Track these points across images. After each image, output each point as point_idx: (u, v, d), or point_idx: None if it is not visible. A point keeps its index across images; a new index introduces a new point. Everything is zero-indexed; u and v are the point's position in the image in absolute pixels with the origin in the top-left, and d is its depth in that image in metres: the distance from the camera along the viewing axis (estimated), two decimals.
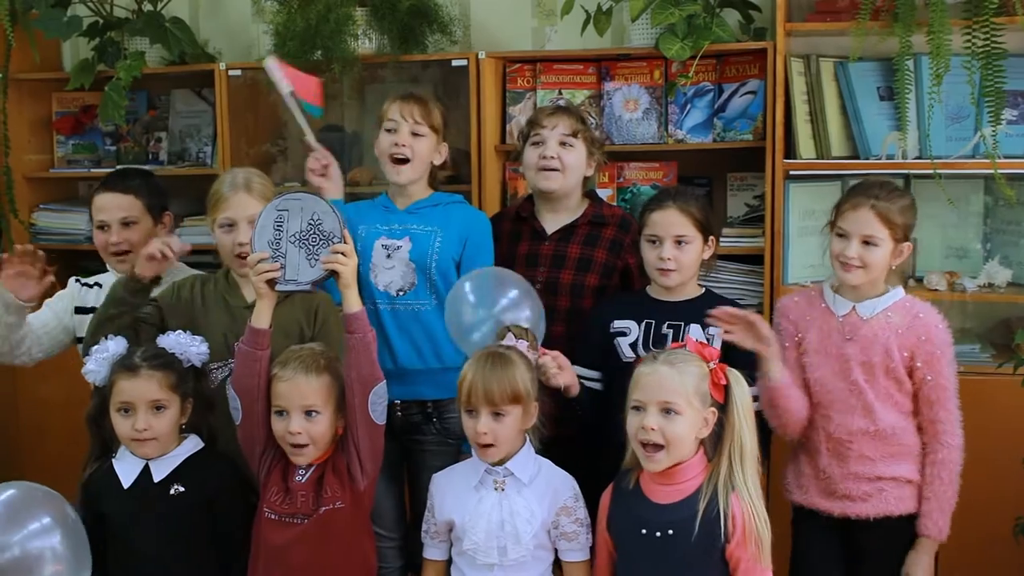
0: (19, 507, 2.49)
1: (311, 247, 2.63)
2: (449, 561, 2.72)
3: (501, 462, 2.63)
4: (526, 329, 2.75)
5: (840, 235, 2.80)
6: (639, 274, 3.13)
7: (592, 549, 2.65)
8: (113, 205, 3.15)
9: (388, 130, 3.12)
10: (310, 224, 2.63)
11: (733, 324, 2.72)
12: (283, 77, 3.17)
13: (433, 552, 2.73)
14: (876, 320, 2.81)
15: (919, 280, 3.62)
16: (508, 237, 3.23)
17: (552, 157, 3.11)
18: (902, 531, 2.84)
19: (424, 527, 2.75)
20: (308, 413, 2.61)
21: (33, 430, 4.26)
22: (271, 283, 2.63)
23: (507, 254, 3.19)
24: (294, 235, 2.63)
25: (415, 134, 3.09)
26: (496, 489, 2.63)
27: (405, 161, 3.10)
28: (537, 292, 3.06)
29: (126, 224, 3.15)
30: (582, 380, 2.91)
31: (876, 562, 2.86)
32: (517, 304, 2.81)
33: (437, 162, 3.17)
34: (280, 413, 2.62)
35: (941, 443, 2.80)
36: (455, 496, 2.67)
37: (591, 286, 3.12)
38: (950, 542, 3.35)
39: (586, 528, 2.63)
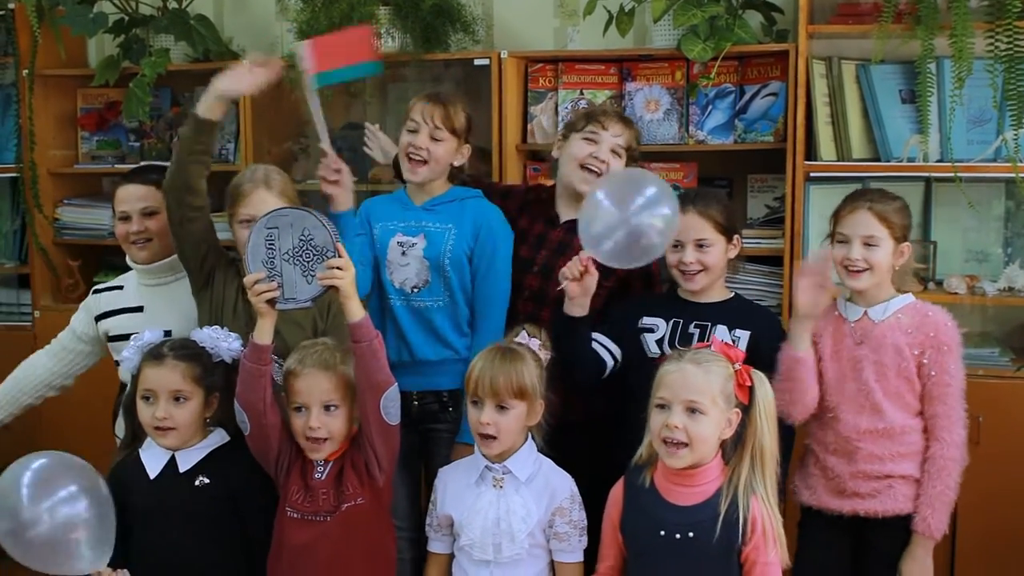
0: (48, 475, 2.49)
1: (305, 263, 2.60)
2: (452, 555, 2.73)
3: (501, 459, 2.64)
4: (540, 329, 2.75)
5: (841, 241, 2.86)
6: (642, 285, 3.14)
7: (589, 551, 2.66)
8: (134, 196, 3.19)
9: (409, 130, 3.12)
10: (301, 240, 2.59)
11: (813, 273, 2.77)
12: (311, 64, 2.98)
13: (436, 545, 2.75)
14: (887, 322, 2.84)
15: (939, 284, 3.61)
16: (530, 210, 3.25)
17: (604, 161, 3.08)
18: (908, 529, 2.84)
19: (428, 520, 2.77)
20: (327, 408, 2.63)
21: (54, 424, 4.28)
22: (271, 302, 2.61)
23: (525, 228, 3.20)
24: (287, 252, 2.59)
25: (434, 138, 3.09)
26: (494, 486, 2.64)
27: (423, 162, 3.11)
28: (533, 274, 3.09)
29: (147, 214, 3.18)
30: (597, 344, 2.93)
31: (885, 561, 2.86)
32: (655, 202, 2.70)
33: (457, 164, 3.18)
34: (299, 409, 2.64)
35: (936, 438, 2.81)
36: (455, 491, 2.69)
37: None
38: (967, 544, 3.37)
39: (579, 531, 2.64)
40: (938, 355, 2.80)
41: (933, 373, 2.80)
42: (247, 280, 2.63)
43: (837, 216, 2.89)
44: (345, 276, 2.59)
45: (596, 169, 3.10)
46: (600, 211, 2.71)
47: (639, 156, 3.26)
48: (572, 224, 3.17)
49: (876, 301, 2.86)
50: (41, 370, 3.33)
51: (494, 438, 2.59)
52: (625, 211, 2.68)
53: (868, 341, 2.83)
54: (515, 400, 2.59)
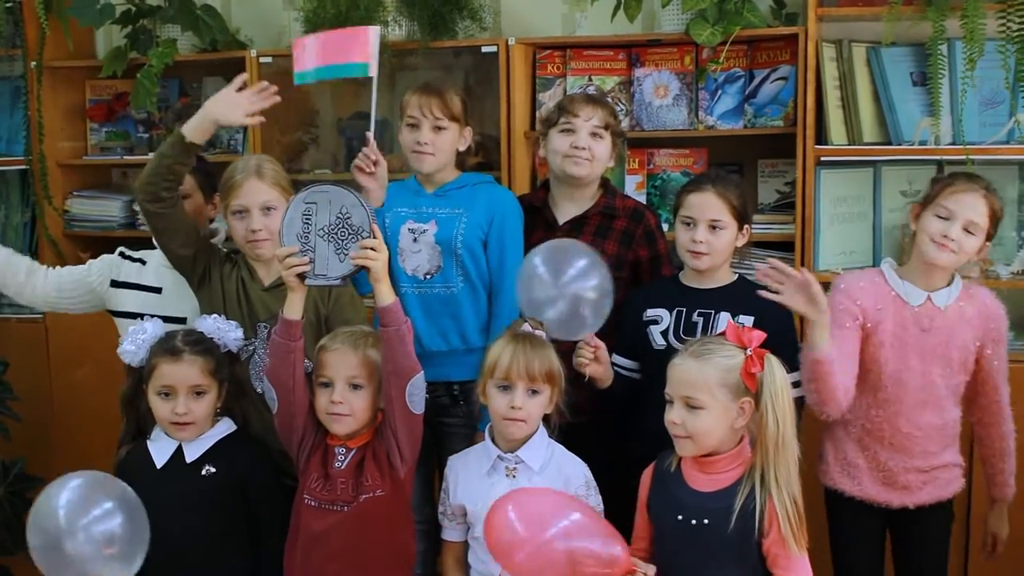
0: (85, 495, 2.49)
1: (340, 241, 2.59)
2: (467, 543, 2.72)
3: (514, 448, 2.63)
4: (541, 322, 2.74)
5: (941, 216, 2.78)
6: (649, 266, 3.13)
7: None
8: None
9: (410, 125, 3.11)
10: (338, 217, 2.59)
11: (782, 282, 2.66)
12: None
13: (450, 534, 2.75)
14: (951, 310, 2.82)
15: None
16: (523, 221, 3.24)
17: (584, 148, 3.10)
18: (947, 512, 2.93)
19: (440, 509, 2.76)
20: (352, 387, 2.63)
21: (66, 414, 4.30)
22: (301, 276, 2.61)
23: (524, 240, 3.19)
24: (322, 229, 2.59)
25: (437, 127, 3.09)
26: (508, 476, 2.63)
27: (430, 154, 3.11)
28: None
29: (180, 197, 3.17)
30: (619, 368, 2.94)
31: (926, 544, 2.91)
32: (585, 274, 2.77)
33: (462, 148, 3.18)
34: (325, 385, 2.64)
35: (1005, 417, 2.93)
36: (468, 482, 2.69)
37: None
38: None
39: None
40: (997, 347, 2.88)
41: (996, 363, 2.87)
42: (279, 253, 2.63)
43: (941, 188, 2.81)
44: (378, 258, 2.58)
45: (580, 157, 3.10)
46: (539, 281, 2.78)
47: (622, 132, 3.28)
48: (571, 224, 3.16)
49: (937, 285, 2.83)
50: (33, 279, 3.22)
51: (524, 422, 2.60)
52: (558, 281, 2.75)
53: (935, 331, 2.81)
54: (545, 384, 2.60)
